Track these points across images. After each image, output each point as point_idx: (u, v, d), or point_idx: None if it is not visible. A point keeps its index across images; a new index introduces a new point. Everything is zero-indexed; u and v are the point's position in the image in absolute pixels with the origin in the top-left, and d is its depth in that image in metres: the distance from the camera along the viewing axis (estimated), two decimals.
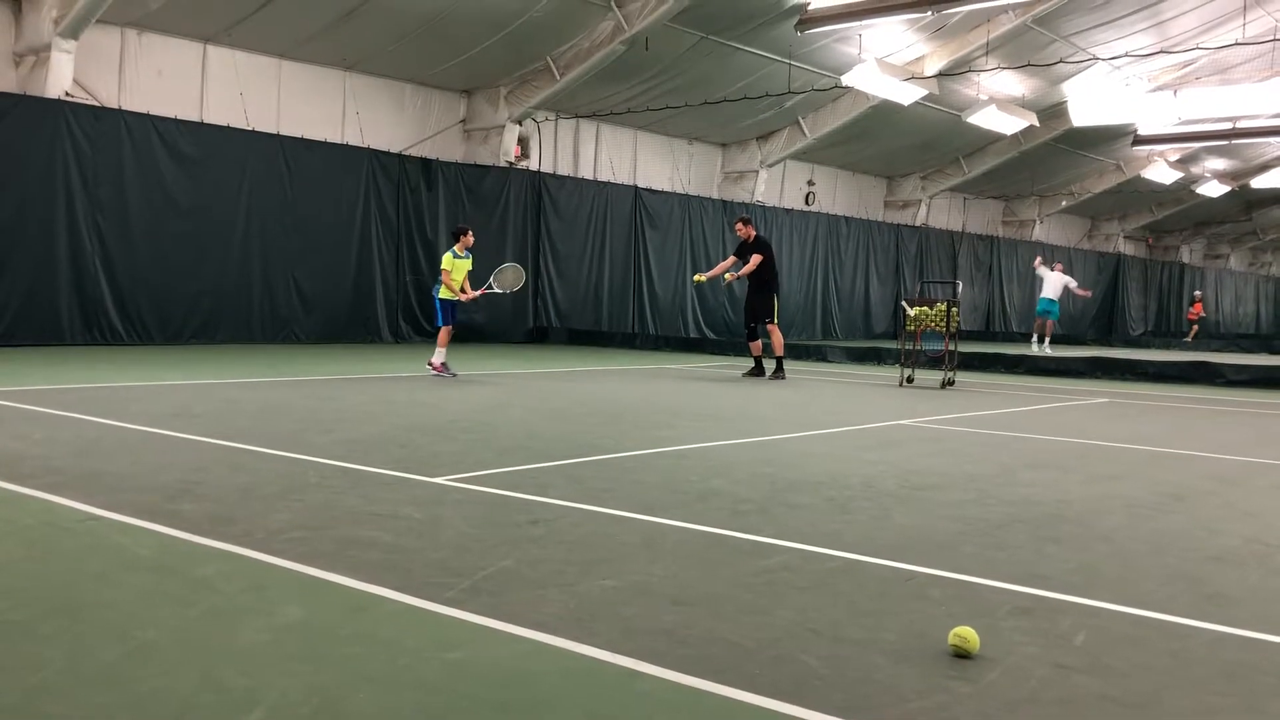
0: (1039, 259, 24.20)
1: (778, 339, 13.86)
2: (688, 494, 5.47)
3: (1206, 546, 4.66)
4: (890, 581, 3.91)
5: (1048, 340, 22.65)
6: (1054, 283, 22.83)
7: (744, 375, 13.97)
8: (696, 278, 14.65)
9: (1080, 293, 24.28)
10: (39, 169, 14.62)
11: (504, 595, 3.54)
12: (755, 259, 13.57)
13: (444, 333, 12.37)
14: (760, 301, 13.78)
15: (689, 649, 3.09)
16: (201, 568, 3.80)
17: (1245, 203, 40.92)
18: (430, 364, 12.33)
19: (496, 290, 12.90)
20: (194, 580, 3.64)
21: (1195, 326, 34.48)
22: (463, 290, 12.43)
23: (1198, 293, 36.50)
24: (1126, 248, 42.85)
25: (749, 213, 24.43)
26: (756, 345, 13.97)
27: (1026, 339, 24.14)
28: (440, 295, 12.44)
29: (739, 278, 14.00)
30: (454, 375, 12.19)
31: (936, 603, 3.65)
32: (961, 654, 3.07)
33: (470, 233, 12.63)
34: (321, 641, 3.07)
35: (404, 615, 3.34)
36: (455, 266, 12.31)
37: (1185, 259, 47.40)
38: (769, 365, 13.91)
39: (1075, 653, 3.16)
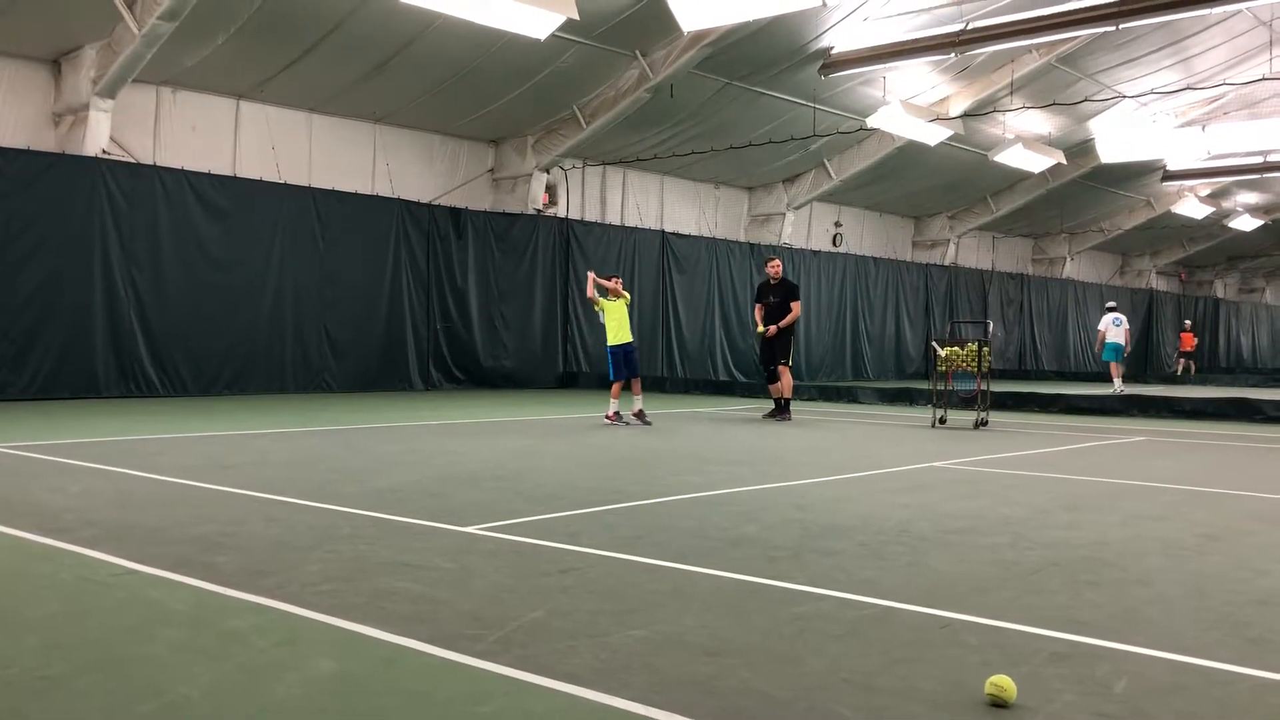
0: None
1: (788, 381, 13.91)
2: (719, 541, 5.44)
3: (1249, 589, 4.58)
4: (925, 629, 3.86)
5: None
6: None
7: (764, 417, 14.02)
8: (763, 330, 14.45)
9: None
10: (77, 225, 14.91)
11: (535, 647, 3.53)
12: (796, 307, 13.81)
13: (617, 386, 12.79)
14: (781, 343, 13.83)
15: (722, 701, 3.06)
16: (235, 621, 3.81)
17: (1279, 236, 40.53)
18: (634, 414, 12.63)
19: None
20: (227, 634, 3.65)
21: (1184, 360, 33.62)
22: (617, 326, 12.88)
23: (1188, 322, 35.69)
24: (1159, 283, 42.53)
25: (776, 255, 24.52)
26: (777, 387, 14.01)
27: (1060, 376, 23.90)
28: (609, 343, 12.85)
29: (784, 326, 13.87)
30: (618, 421, 12.45)
31: (973, 650, 3.60)
32: (999, 703, 3.02)
33: (615, 278, 13.33)
34: (353, 695, 3.07)
35: (435, 668, 3.34)
36: (607, 308, 12.85)
37: (1219, 294, 46.93)
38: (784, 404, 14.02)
39: (1115, 701, 3.11)
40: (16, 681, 3.16)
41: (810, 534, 5.66)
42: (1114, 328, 22.63)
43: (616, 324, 12.79)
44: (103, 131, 15.19)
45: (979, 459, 9.63)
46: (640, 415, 12.60)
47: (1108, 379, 29.51)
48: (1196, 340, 34.76)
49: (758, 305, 14.28)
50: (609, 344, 12.86)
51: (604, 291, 12.91)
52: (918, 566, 4.90)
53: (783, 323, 13.72)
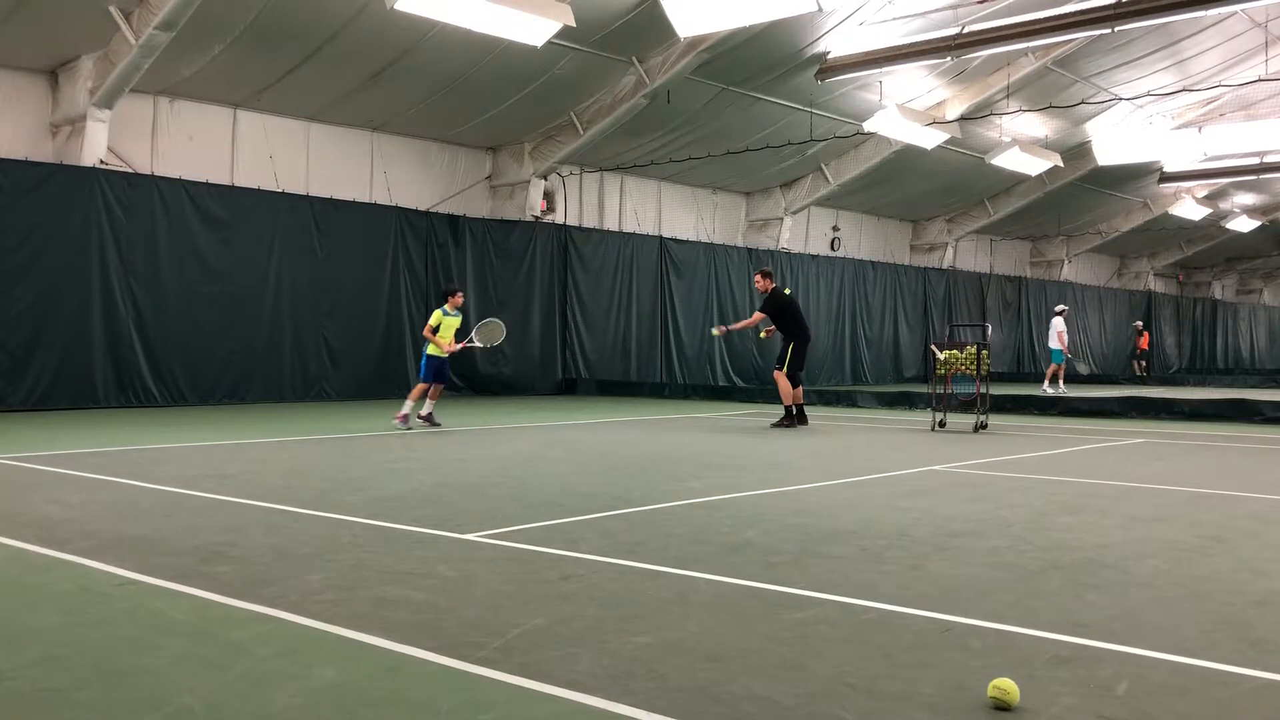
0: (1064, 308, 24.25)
1: (783, 387, 13.78)
2: (720, 546, 5.44)
3: (1250, 590, 4.58)
4: (927, 632, 3.86)
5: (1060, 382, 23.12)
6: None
7: (772, 425, 13.87)
8: (716, 330, 14.77)
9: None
10: (75, 235, 14.90)
11: (537, 654, 3.53)
12: (756, 316, 14.06)
13: (420, 388, 12.73)
14: (779, 348, 13.86)
15: (724, 706, 3.06)
16: (236, 631, 3.81)
17: (1276, 237, 40.56)
18: (423, 416, 12.63)
19: (477, 345, 13.13)
20: (229, 644, 3.65)
21: (1143, 362, 33.47)
22: (449, 345, 12.79)
23: (1139, 323, 35.42)
24: (1157, 285, 42.55)
25: (773, 261, 24.57)
26: (794, 393, 13.92)
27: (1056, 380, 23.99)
28: (429, 351, 12.74)
29: (770, 335, 14.08)
30: (409, 429, 12.35)
31: (975, 653, 3.60)
32: (1001, 706, 3.03)
33: (460, 293, 13.08)
34: (355, 704, 3.06)
35: (437, 676, 3.33)
36: (444, 324, 12.68)
37: (1217, 295, 46.96)
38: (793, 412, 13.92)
39: (1117, 703, 3.11)
40: (18, 694, 3.15)
41: (811, 539, 5.66)
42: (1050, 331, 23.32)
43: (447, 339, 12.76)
44: (100, 142, 15.19)
45: (979, 462, 9.63)
46: (430, 418, 12.68)
47: (1103, 381, 29.64)
48: (1149, 339, 34.63)
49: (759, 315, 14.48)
50: (432, 353, 12.66)
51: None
52: (919, 570, 4.90)
53: (734, 326, 14.92)
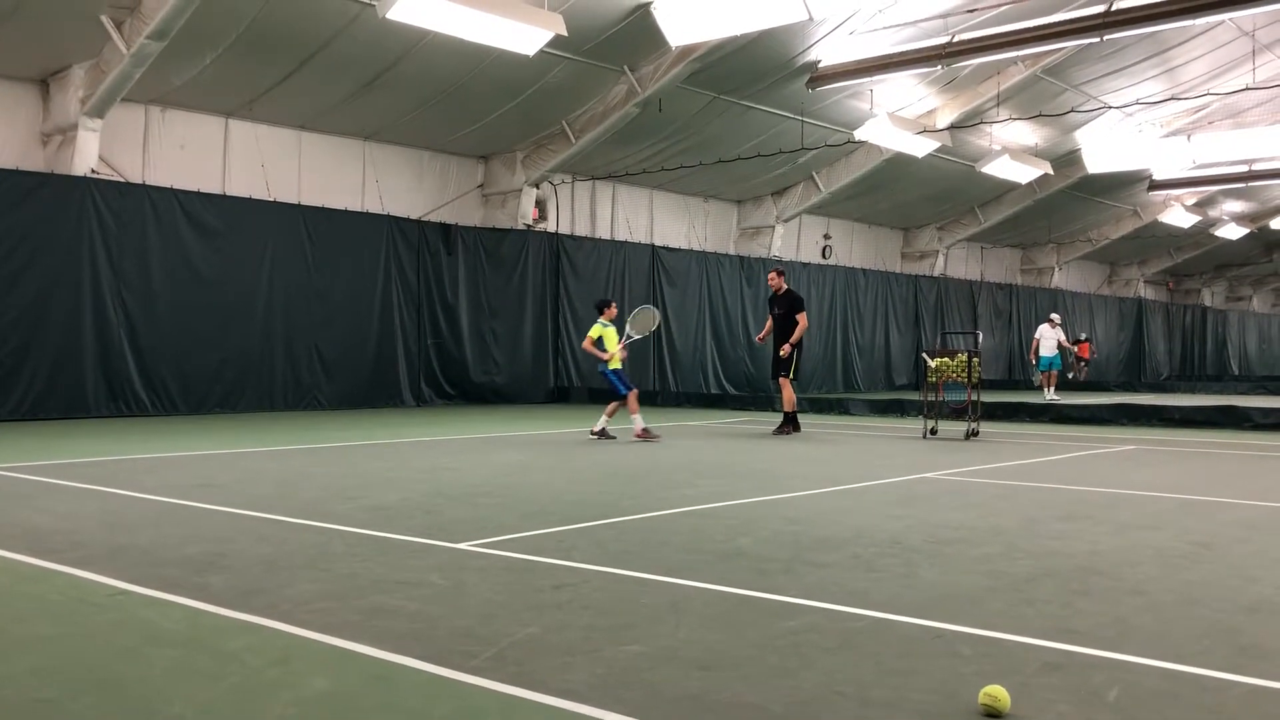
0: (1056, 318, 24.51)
1: (788, 394, 13.72)
2: (712, 554, 5.44)
3: (1240, 597, 4.60)
4: (918, 640, 3.87)
5: (1053, 388, 23.44)
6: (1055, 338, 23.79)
7: (773, 433, 13.73)
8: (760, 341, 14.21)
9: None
10: (66, 245, 14.88)
11: (529, 663, 3.53)
12: (803, 319, 13.46)
13: (632, 398, 12.58)
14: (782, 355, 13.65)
15: (716, 715, 3.07)
16: (229, 641, 3.80)
17: (1265, 244, 40.78)
18: (636, 433, 12.43)
19: (636, 337, 12.99)
20: (221, 654, 3.64)
21: (1081, 364, 33.60)
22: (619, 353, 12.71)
23: (1084, 335, 35.39)
24: (1147, 292, 42.72)
25: (765, 270, 24.54)
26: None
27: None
28: (612, 368, 12.58)
29: (795, 342, 13.50)
30: (657, 437, 12.37)
31: (966, 660, 3.61)
32: (992, 713, 3.03)
33: (614, 305, 13.03)
34: (347, 713, 3.06)
35: (429, 685, 3.33)
36: (606, 334, 12.62)
37: (1207, 302, 47.15)
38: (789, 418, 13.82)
39: (1108, 709, 3.12)
40: (11, 704, 3.15)
41: (803, 546, 5.67)
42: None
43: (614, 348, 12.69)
44: (91, 151, 15.18)
45: (970, 470, 9.65)
46: (604, 432, 12.63)
47: (1095, 389, 29.76)
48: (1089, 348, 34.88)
49: (770, 317, 13.97)
50: (614, 367, 12.61)
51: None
52: (910, 578, 4.91)
53: (793, 339, 13.39)
